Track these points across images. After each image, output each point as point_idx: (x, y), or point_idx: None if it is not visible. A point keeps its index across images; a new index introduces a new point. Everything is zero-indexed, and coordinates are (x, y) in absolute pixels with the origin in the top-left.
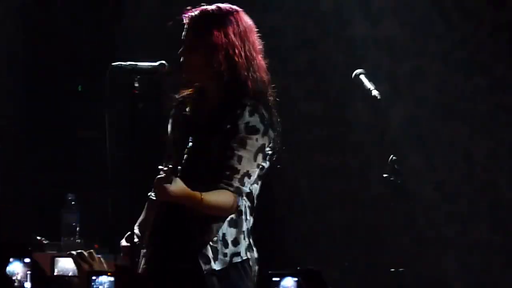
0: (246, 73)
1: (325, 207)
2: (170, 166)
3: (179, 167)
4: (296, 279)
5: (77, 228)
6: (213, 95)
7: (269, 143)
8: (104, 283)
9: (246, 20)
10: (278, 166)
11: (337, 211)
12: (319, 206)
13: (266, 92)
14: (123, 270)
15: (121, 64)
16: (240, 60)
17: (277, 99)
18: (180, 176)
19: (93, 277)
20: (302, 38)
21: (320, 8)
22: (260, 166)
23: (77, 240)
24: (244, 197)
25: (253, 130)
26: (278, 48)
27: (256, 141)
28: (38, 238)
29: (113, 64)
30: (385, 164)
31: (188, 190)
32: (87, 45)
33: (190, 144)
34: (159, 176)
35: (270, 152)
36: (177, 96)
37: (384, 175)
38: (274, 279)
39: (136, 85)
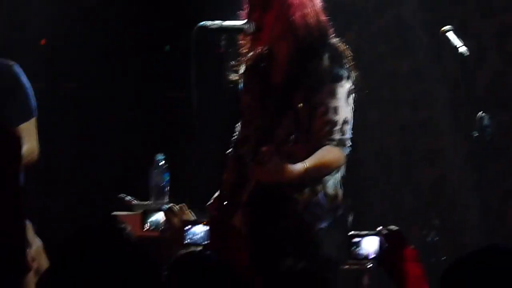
0: (317, 29)
1: (412, 166)
2: (253, 130)
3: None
4: (377, 238)
5: (166, 189)
6: (285, 53)
7: (353, 84)
8: (199, 233)
9: None
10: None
11: (423, 169)
12: (406, 165)
13: (336, 41)
14: (218, 220)
15: (208, 23)
16: (312, 17)
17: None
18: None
19: (187, 227)
20: None
21: None
22: (353, 110)
23: (166, 201)
24: (348, 146)
25: (337, 77)
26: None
27: (343, 86)
28: (127, 198)
29: (199, 23)
30: (473, 122)
31: (291, 167)
32: (174, 4)
33: (272, 104)
34: (257, 158)
35: (355, 94)
36: (245, 57)
37: (473, 133)
38: (354, 240)
39: (223, 43)
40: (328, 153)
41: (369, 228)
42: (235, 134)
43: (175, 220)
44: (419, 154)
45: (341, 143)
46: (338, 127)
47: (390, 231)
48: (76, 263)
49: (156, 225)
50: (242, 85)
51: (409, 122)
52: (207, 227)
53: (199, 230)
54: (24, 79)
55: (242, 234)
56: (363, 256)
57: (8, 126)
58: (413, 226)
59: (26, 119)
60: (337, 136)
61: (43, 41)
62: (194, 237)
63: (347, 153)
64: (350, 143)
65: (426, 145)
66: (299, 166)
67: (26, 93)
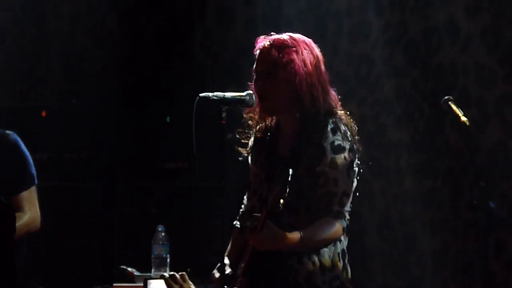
0: (323, 100)
1: (416, 235)
2: (261, 213)
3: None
4: None
5: (168, 260)
6: (292, 123)
7: (356, 157)
8: None
9: (317, 49)
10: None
11: (428, 238)
12: (410, 234)
13: (341, 113)
14: None
15: (209, 95)
16: (317, 88)
17: (366, 127)
18: (272, 210)
19: None
20: (390, 65)
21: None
22: (354, 183)
23: (165, 272)
24: (347, 218)
25: (339, 149)
26: (367, 76)
27: (345, 159)
28: (129, 269)
29: (200, 94)
30: (475, 191)
31: (285, 235)
32: (176, 75)
33: (279, 176)
34: (251, 225)
35: (358, 167)
36: (254, 129)
37: (475, 202)
38: None
39: (224, 115)
40: (325, 225)
41: None
42: (242, 205)
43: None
44: (422, 223)
45: (339, 215)
46: (336, 198)
47: None
48: None
49: None
50: (250, 157)
51: (412, 191)
52: None
53: None
54: (23, 147)
55: None
56: None
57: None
58: None
59: (26, 187)
60: (335, 207)
61: (43, 113)
62: None
63: (345, 225)
64: (348, 216)
65: (429, 215)
66: (294, 235)
67: (25, 161)
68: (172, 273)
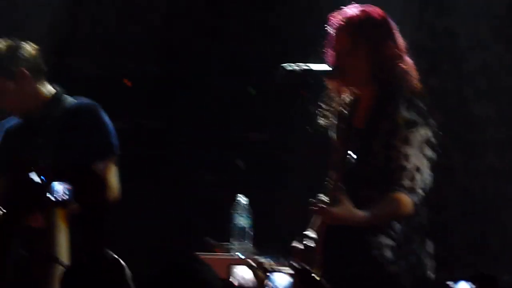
0: (400, 72)
1: (498, 210)
2: (334, 186)
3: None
4: (471, 284)
5: (249, 231)
6: (368, 98)
7: (431, 133)
8: (280, 282)
9: (392, 21)
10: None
11: (509, 212)
12: (491, 209)
13: (417, 87)
14: (301, 270)
15: (292, 66)
16: (395, 61)
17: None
18: (348, 184)
19: (269, 275)
20: (474, 40)
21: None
22: (429, 158)
23: (248, 244)
24: (418, 194)
25: (413, 124)
26: (451, 49)
27: (418, 134)
28: (209, 240)
29: (283, 65)
30: None
31: (355, 212)
32: (259, 47)
33: (354, 149)
34: (323, 199)
35: (435, 142)
36: (333, 102)
37: None
38: (449, 283)
39: (307, 87)
40: (396, 199)
41: (453, 273)
42: (326, 179)
43: (261, 275)
44: (504, 198)
45: (410, 190)
46: (408, 173)
47: (484, 277)
48: None
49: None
50: (330, 130)
51: (495, 165)
52: (289, 276)
53: (281, 279)
54: (105, 117)
55: (324, 284)
56: None
57: (93, 165)
58: (499, 271)
59: (106, 157)
60: (406, 182)
61: (128, 83)
62: (276, 285)
63: (416, 200)
64: (422, 191)
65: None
66: (365, 211)
67: (107, 131)
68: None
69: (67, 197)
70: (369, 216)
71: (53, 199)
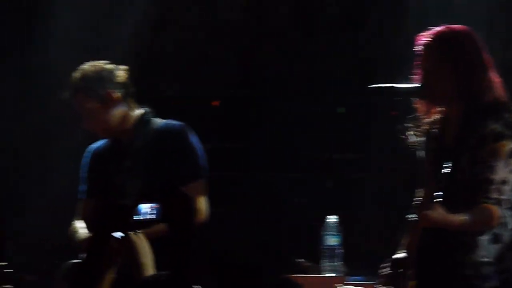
0: (487, 90)
1: None
2: (431, 193)
3: (439, 193)
4: None
5: (339, 251)
6: (457, 115)
7: None
8: None
9: (478, 37)
10: None
11: None
12: None
13: (504, 101)
14: None
15: (381, 86)
16: (482, 77)
17: None
18: (441, 200)
19: None
20: None
21: None
22: None
23: (338, 263)
24: (505, 207)
25: (500, 137)
26: None
27: (505, 147)
28: (300, 260)
29: (372, 85)
30: None
31: (448, 215)
32: (347, 67)
33: (445, 168)
34: (420, 203)
35: None
36: (422, 122)
37: None
38: None
39: (396, 106)
40: (484, 211)
41: None
42: (416, 198)
43: None
44: None
45: (497, 202)
46: (495, 186)
47: None
48: None
49: None
50: (421, 149)
51: None
52: None
53: None
54: (193, 139)
55: None
56: None
57: (181, 187)
58: None
59: (195, 179)
60: (493, 195)
61: (216, 103)
62: None
63: (503, 213)
64: (510, 204)
65: None
66: (458, 218)
67: (196, 153)
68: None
69: (153, 216)
70: (462, 220)
71: (139, 219)
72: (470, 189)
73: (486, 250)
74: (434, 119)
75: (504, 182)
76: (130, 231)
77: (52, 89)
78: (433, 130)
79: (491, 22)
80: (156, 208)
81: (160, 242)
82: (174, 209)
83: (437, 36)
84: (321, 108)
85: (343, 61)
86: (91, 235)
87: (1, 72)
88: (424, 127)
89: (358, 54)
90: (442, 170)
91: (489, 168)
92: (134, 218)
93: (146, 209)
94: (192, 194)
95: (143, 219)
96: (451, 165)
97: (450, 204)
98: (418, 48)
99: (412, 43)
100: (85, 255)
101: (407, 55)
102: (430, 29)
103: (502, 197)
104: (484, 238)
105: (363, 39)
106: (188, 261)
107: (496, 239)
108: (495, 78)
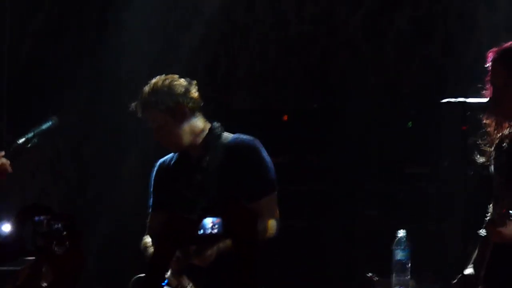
0: None
1: None
2: (502, 208)
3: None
4: None
5: (408, 265)
6: None
7: None
8: None
9: None
10: None
11: None
12: None
13: None
14: None
15: (451, 100)
16: None
17: None
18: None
19: None
20: None
21: None
22: None
23: (407, 277)
24: None
25: None
26: None
27: None
28: (369, 275)
29: (443, 100)
30: None
31: None
32: (414, 81)
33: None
34: (492, 218)
35: None
36: (492, 137)
37: None
38: None
39: (466, 120)
40: None
41: None
42: (487, 213)
43: None
44: None
45: None
46: None
47: None
48: None
49: None
50: (491, 165)
51: None
52: None
53: None
54: (264, 153)
55: None
56: None
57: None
58: None
59: (266, 193)
60: None
61: (285, 117)
62: None
63: None
64: None
65: None
66: None
67: (266, 167)
68: None
69: (216, 231)
70: None
71: (203, 234)
72: None
73: None
74: (505, 134)
75: None
76: (193, 246)
77: (123, 100)
78: (504, 145)
79: None
80: (218, 223)
81: (226, 258)
82: (236, 223)
83: (505, 52)
84: (392, 122)
85: (413, 74)
86: (155, 249)
87: (75, 79)
88: (495, 142)
89: (429, 68)
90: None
91: None
92: (199, 233)
93: (209, 223)
94: (264, 209)
95: (207, 234)
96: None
97: None
98: (488, 63)
99: (483, 57)
100: (148, 269)
101: (478, 70)
102: (500, 45)
103: None
104: None
105: (433, 52)
106: (252, 277)
107: None
108: None
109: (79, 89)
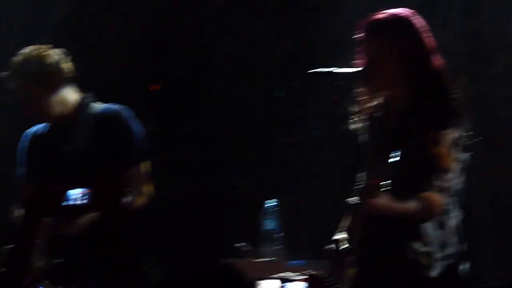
0: (431, 73)
1: None
2: (374, 178)
3: (384, 180)
4: None
5: (279, 235)
6: (400, 99)
7: (463, 135)
8: None
9: (420, 20)
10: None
11: None
12: None
13: (449, 88)
14: (315, 278)
15: (321, 70)
16: (426, 62)
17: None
18: (386, 187)
19: (283, 284)
20: (501, 42)
21: None
22: (459, 160)
23: (278, 246)
24: (448, 195)
25: (443, 125)
26: (477, 52)
27: (450, 135)
28: (239, 244)
29: (313, 70)
30: None
31: (393, 203)
32: (285, 51)
33: (388, 153)
34: (364, 189)
35: (466, 143)
36: (364, 106)
37: None
38: None
39: (337, 91)
40: (428, 198)
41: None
42: (358, 182)
43: None
44: None
45: (441, 190)
46: (439, 174)
47: None
48: None
49: None
50: (362, 133)
51: None
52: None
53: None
54: (134, 123)
55: None
56: None
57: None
58: None
59: (137, 163)
60: (437, 182)
61: (157, 86)
62: None
63: (448, 200)
64: (454, 192)
65: None
66: (402, 206)
67: (137, 137)
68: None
69: (84, 202)
70: (407, 208)
71: (69, 205)
72: (414, 177)
73: (430, 237)
74: (377, 103)
75: (447, 170)
76: (59, 217)
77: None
78: (376, 115)
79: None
80: (87, 194)
81: (92, 229)
82: (103, 194)
83: (380, 22)
84: (263, 91)
85: (282, 45)
86: (23, 218)
87: None
88: (367, 112)
89: (299, 38)
90: (387, 156)
91: (433, 156)
92: (67, 203)
93: (76, 194)
94: (134, 178)
95: (73, 204)
96: (395, 151)
97: (395, 191)
98: (360, 34)
99: (352, 26)
100: (14, 239)
101: (348, 40)
102: (372, 14)
103: (446, 185)
104: (428, 225)
105: (303, 22)
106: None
107: (440, 225)
108: (440, 62)
109: None
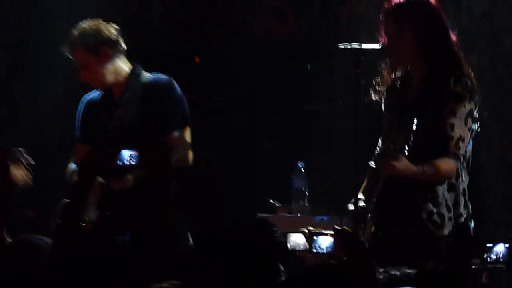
0: (447, 50)
1: None
2: (393, 143)
3: (403, 145)
4: (507, 245)
5: (306, 193)
6: (419, 74)
7: (476, 107)
8: (325, 243)
9: (436, 2)
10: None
11: None
12: None
13: (462, 63)
14: (343, 232)
15: (347, 45)
16: (441, 40)
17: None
18: (404, 152)
19: (315, 237)
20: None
21: None
22: (471, 129)
23: (306, 204)
24: (460, 161)
25: (459, 98)
26: (487, 31)
27: (464, 107)
28: (271, 201)
29: (339, 44)
30: None
31: (411, 166)
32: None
33: (407, 121)
34: (385, 153)
35: (477, 115)
36: (385, 79)
37: None
38: (488, 245)
39: (360, 64)
40: (443, 163)
41: (490, 235)
42: (377, 147)
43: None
44: None
45: (455, 156)
46: (453, 142)
47: None
48: (231, 255)
49: (296, 246)
50: (383, 104)
51: None
52: (332, 239)
53: (325, 242)
54: (178, 91)
55: (366, 248)
56: (494, 261)
57: (160, 136)
58: None
59: (179, 128)
60: (452, 150)
61: (197, 59)
62: (321, 246)
63: (459, 166)
64: (464, 159)
65: None
66: (419, 168)
67: (181, 104)
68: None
69: (133, 162)
70: (424, 171)
71: (120, 165)
72: (431, 143)
73: (442, 197)
74: (397, 76)
75: (461, 139)
76: (112, 176)
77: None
78: (396, 86)
79: None
80: (136, 155)
81: (140, 188)
82: (151, 156)
83: (397, 6)
84: (293, 62)
85: (310, 21)
86: (77, 178)
87: None
88: (388, 84)
89: (325, 15)
90: (405, 124)
91: (449, 126)
92: (117, 164)
93: (126, 155)
94: (178, 142)
95: (124, 164)
96: (414, 120)
97: (412, 156)
98: (381, 14)
99: (378, 3)
100: (71, 194)
101: (373, 16)
102: None
103: (459, 152)
104: (441, 188)
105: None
106: (166, 206)
107: (451, 188)
108: (454, 41)
109: None
